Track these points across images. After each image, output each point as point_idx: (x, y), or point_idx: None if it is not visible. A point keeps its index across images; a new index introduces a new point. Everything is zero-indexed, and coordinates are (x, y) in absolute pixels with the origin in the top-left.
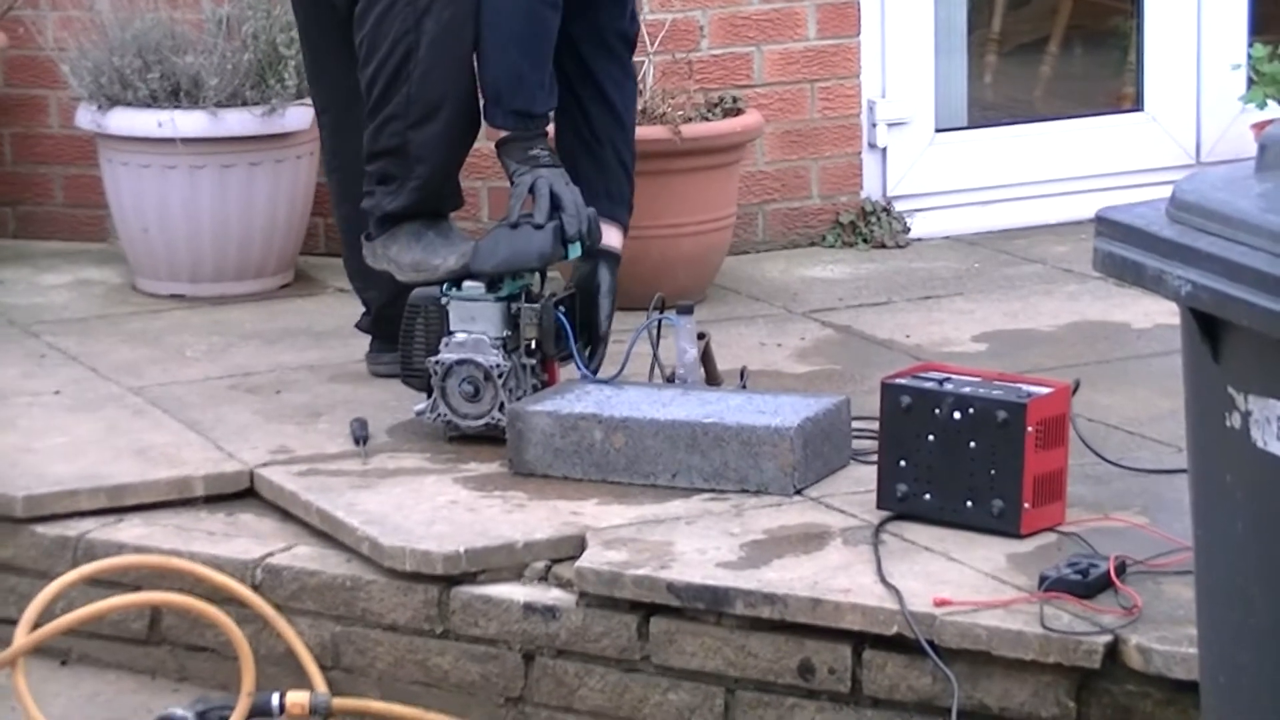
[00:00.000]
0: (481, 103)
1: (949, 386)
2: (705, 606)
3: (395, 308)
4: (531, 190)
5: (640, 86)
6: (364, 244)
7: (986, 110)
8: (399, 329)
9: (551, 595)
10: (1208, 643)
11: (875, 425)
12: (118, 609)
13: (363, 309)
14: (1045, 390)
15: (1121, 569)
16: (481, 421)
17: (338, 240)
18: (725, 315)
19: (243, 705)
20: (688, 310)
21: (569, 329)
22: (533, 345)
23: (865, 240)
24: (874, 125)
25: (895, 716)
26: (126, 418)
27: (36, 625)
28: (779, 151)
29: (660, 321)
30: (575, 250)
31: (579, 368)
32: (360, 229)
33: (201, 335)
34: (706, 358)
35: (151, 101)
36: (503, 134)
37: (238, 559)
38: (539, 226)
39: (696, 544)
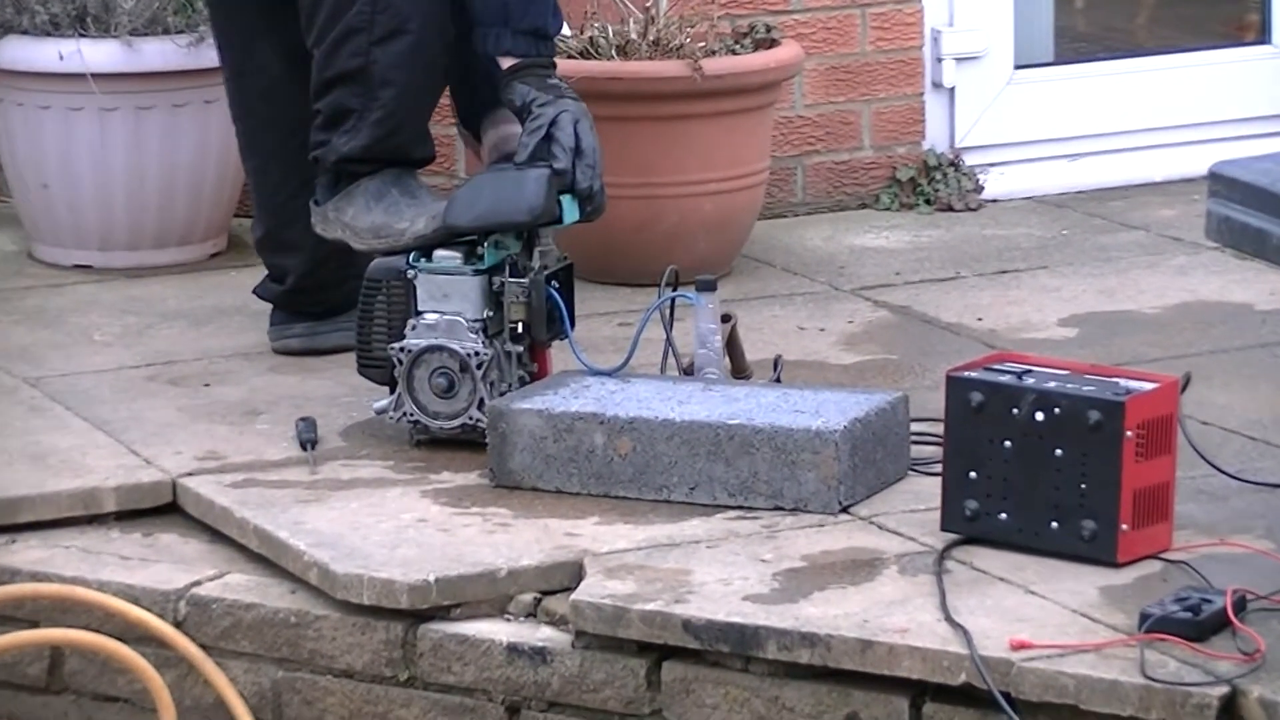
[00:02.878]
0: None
1: (1030, 381)
2: (730, 649)
3: (317, 279)
4: (551, 127)
5: (652, 13)
6: (312, 210)
7: (1077, 43)
8: (317, 303)
9: (541, 635)
10: None
11: (939, 428)
12: (10, 649)
13: (268, 273)
14: (1148, 386)
15: (1241, 605)
16: (456, 422)
17: None
18: (756, 293)
19: None
20: (709, 286)
21: (565, 309)
22: (520, 329)
23: (928, 201)
24: (939, 60)
25: None
26: (21, 415)
27: None
28: (822, 92)
29: (675, 300)
30: (573, 210)
31: (577, 356)
32: (275, 183)
33: (114, 315)
34: (732, 345)
35: (53, 29)
36: (513, 61)
37: (157, 589)
38: (539, 170)
39: (719, 573)
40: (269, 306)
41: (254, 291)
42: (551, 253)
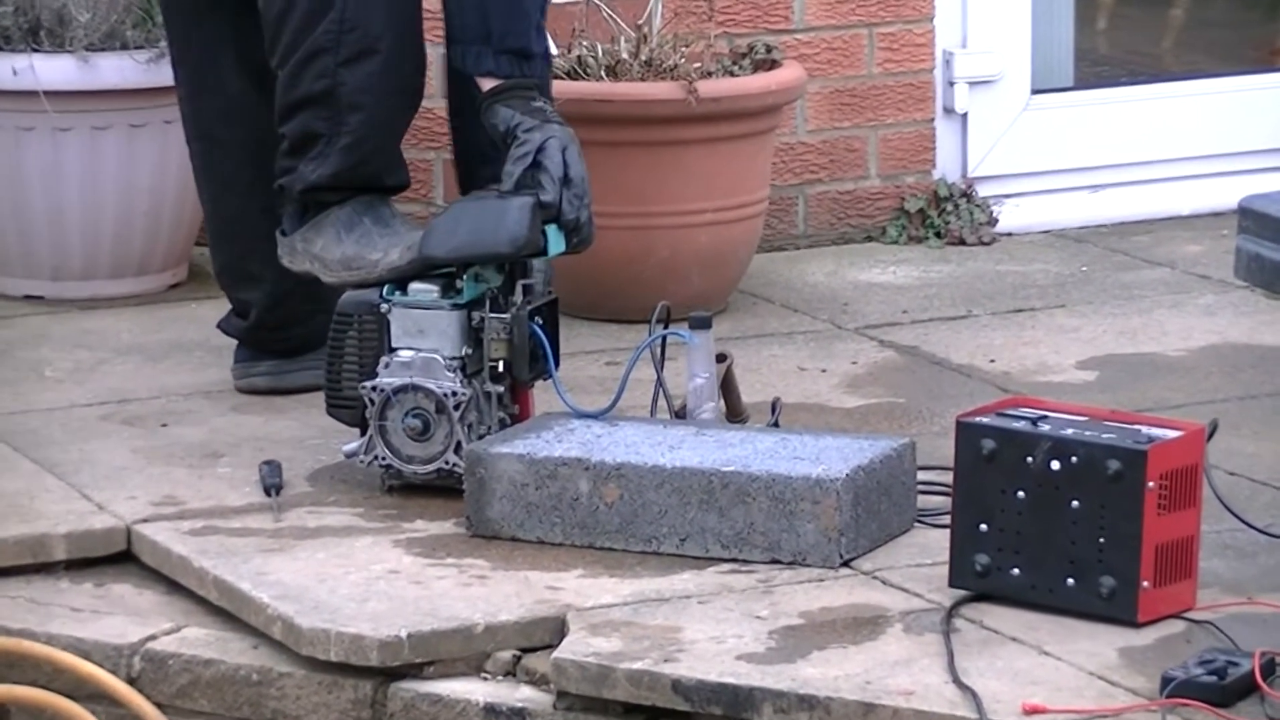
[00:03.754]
0: (464, 49)
1: (1045, 428)
2: (723, 712)
3: (281, 314)
4: (538, 154)
5: (645, 31)
6: (279, 241)
7: (1099, 66)
8: (284, 340)
9: (521, 695)
10: None
11: (948, 477)
12: None
13: (232, 306)
14: (1172, 434)
15: (1270, 668)
16: (432, 467)
17: None
18: (753, 330)
19: None
20: (704, 324)
21: (549, 347)
22: (500, 367)
23: (938, 234)
24: (951, 84)
25: None
26: None
27: None
28: (826, 117)
29: (667, 338)
30: (558, 241)
31: (561, 397)
32: (234, 211)
33: (65, 349)
34: (728, 386)
35: (4, 43)
36: (495, 83)
37: (110, 643)
38: (523, 198)
39: (712, 630)
40: (233, 342)
41: (218, 326)
42: (536, 287)
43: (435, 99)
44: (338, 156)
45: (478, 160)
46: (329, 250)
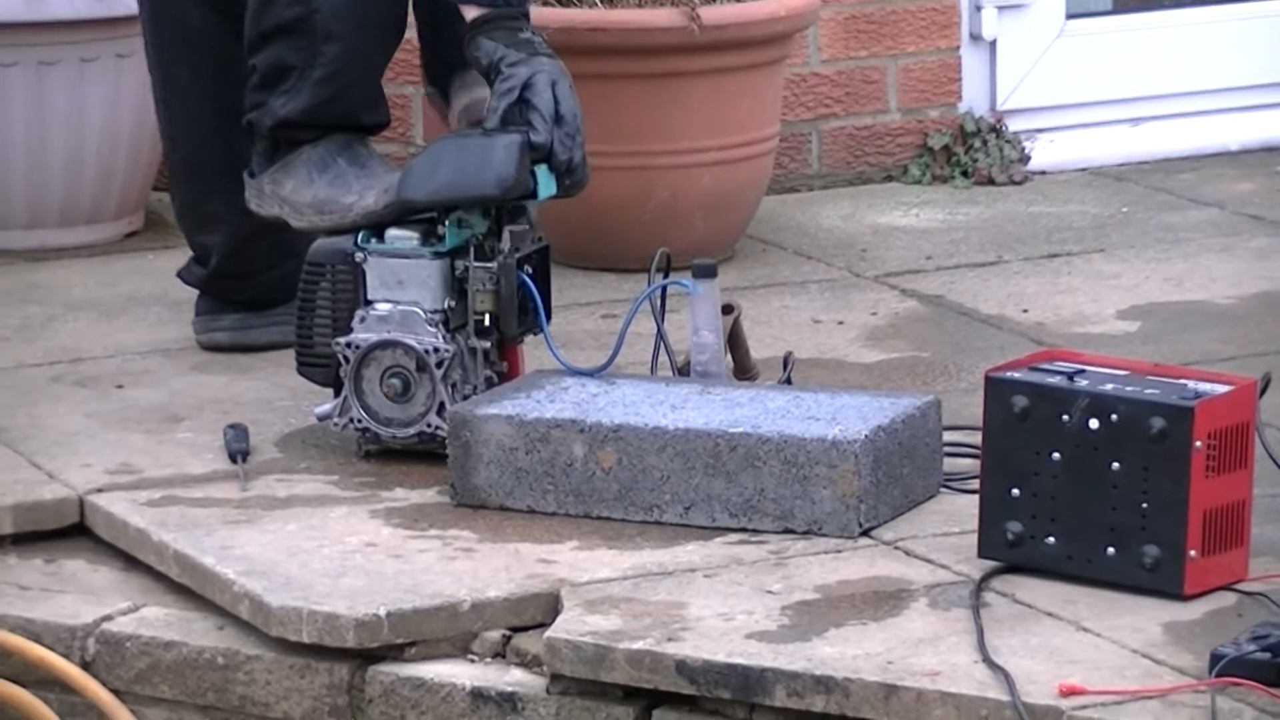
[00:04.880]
0: None
1: (1083, 383)
2: (731, 695)
3: (243, 260)
4: (525, 89)
5: None
6: (246, 183)
7: None
8: (248, 289)
9: (511, 678)
10: None
11: (976, 438)
12: None
13: (193, 253)
14: (1221, 389)
15: None
16: (412, 430)
17: None
18: (763, 280)
19: None
20: (709, 272)
21: (540, 299)
22: (486, 321)
23: (965, 173)
24: (978, 8)
25: None
26: None
27: None
28: (841, 46)
29: (668, 288)
30: (549, 184)
31: (553, 353)
32: (194, 147)
33: (11, 305)
34: (735, 340)
35: None
36: (479, 13)
37: (61, 623)
38: (510, 136)
39: (719, 606)
40: (194, 295)
41: (178, 275)
42: (526, 233)
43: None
44: (311, 90)
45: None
46: (299, 193)
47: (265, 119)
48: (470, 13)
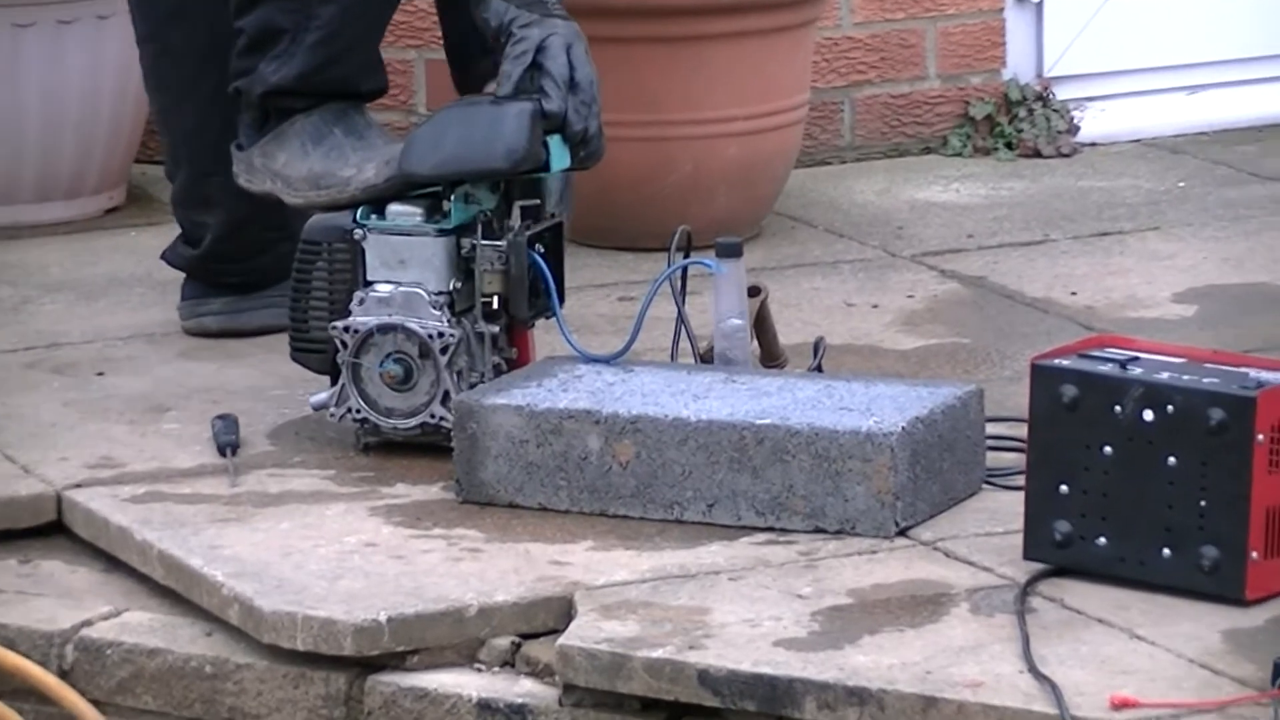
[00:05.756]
0: None
1: (1136, 371)
2: (758, 707)
3: (239, 242)
4: (538, 53)
5: None
6: (235, 156)
7: None
8: (240, 272)
9: (521, 689)
10: None
11: (1022, 430)
12: None
13: (181, 233)
14: None
15: None
16: (415, 421)
17: None
18: (792, 259)
19: None
20: (733, 252)
21: (552, 280)
22: (495, 304)
23: (1009, 145)
24: None
25: None
26: None
27: None
28: (876, 7)
29: (690, 269)
30: (563, 156)
31: (567, 339)
32: (188, 125)
33: None
34: (762, 325)
35: None
36: None
37: (37, 629)
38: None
39: (745, 611)
40: (180, 276)
41: (162, 256)
42: (537, 209)
43: None
44: (304, 55)
45: (476, 50)
46: (293, 166)
47: (255, 86)
48: None
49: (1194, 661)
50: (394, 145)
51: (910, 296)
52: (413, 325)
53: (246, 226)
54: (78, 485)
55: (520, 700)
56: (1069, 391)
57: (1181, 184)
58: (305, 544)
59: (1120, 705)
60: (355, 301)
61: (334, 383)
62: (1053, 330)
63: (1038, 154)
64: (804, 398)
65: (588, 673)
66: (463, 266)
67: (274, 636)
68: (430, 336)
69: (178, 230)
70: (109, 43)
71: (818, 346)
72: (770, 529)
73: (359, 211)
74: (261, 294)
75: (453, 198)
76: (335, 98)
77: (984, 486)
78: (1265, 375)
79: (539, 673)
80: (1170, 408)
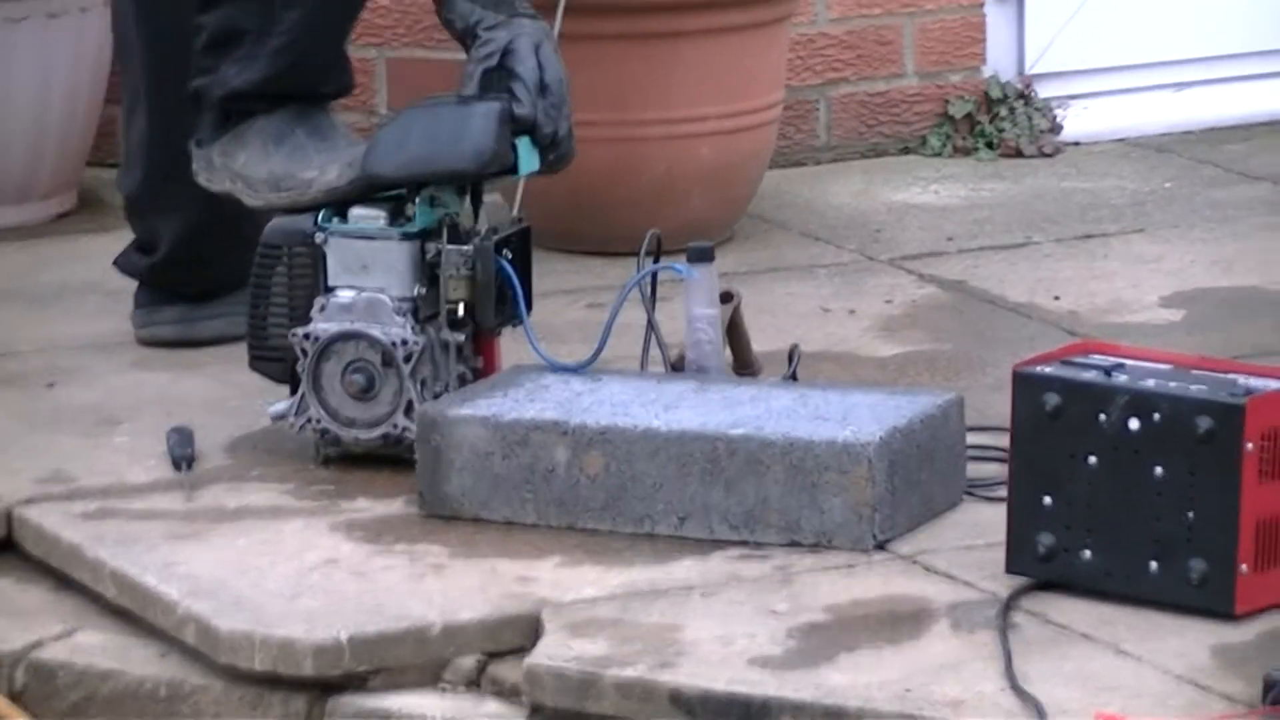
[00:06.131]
0: None
1: (1121, 378)
2: None
3: (193, 250)
4: (505, 56)
5: None
6: (194, 153)
7: None
8: (195, 281)
9: (487, 710)
10: None
11: (1004, 439)
12: None
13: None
14: (1274, 385)
15: None
16: (377, 432)
17: None
18: (766, 264)
19: None
20: (705, 256)
21: (519, 286)
22: (460, 311)
23: (990, 145)
24: None
25: None
26: None
27: None
28: (852, 2)
29: (660, 274)
30: (531, 158)
31: (534, 347)
32: (150, 124)
33: None
34: (735, 332)
35: None
36: None
37: None
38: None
39: (718, 628)
40: (133, 283)
41: (115, 264)
42: (501, 212)
43: None
44: (267, 60)
45: None
46: (253, 166)
47: (215, 88)
48: None
49: (1182, 678)
50: (357, 146)
51: (888, 301)
52: (375, 333)
53: (204, 234)
54: (27, 501)
55: None
56: (1052, 400)
57: (1168, 184)
58: (263, 561)
59: None
60: (316, 308)
61: (293, 392)
62: (1035, 336)
63: (1019, 154)
64: (778, 407)
65: (556, 693)
66: (427, 272)
67: (231, 657)
68: (393, 344)
69: (131, 236)
70: (60, 42)
71: (793, 354)
72: (744, 543)
73: (320, 214)
74: (217, 302)
75: (417, 200)
76: (298, 100)
77: (965, 498)
78: (1255, 382)
79: (505, 693)
80: (1157, 416)
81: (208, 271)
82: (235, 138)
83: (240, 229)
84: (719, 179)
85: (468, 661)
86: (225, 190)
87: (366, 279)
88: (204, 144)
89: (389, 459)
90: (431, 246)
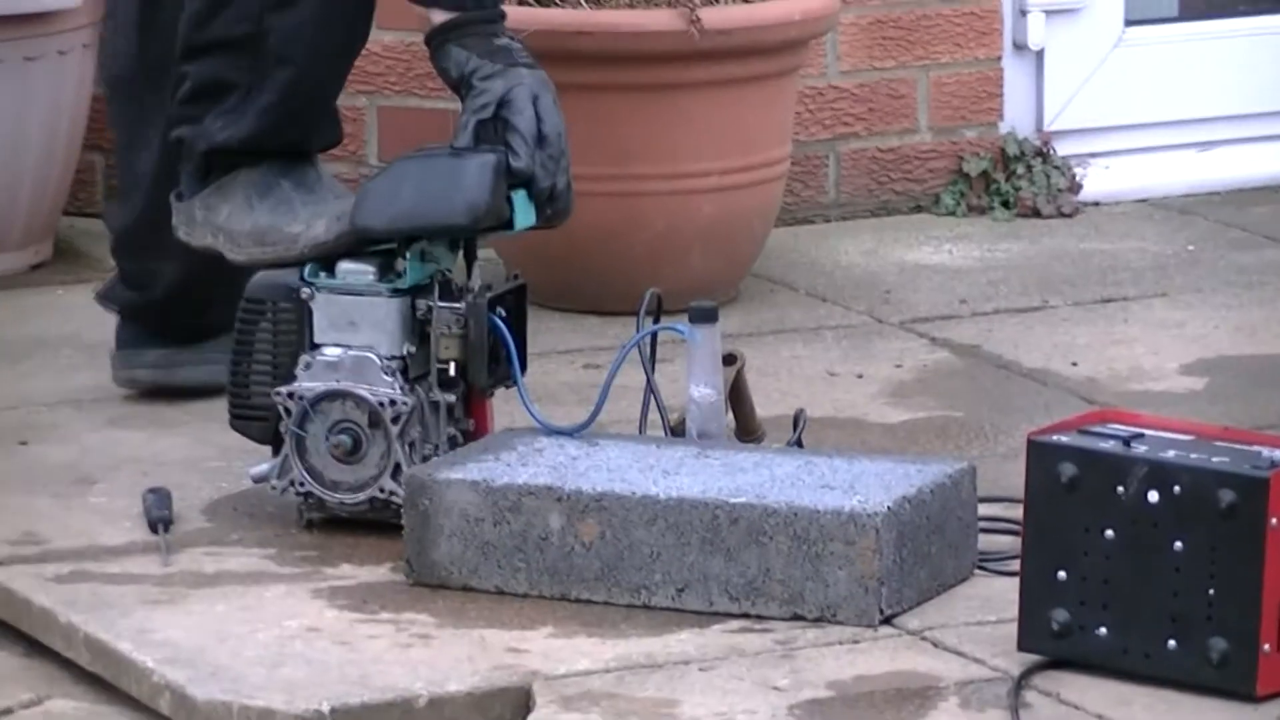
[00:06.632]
0: None
1: (1141, 449)
2: None
3: (193, 291)
4: (502, 106)
5: None
6: (175, 208)
7: None
8: (183, 325)
9: None
10: None
11: (1018, 511)
12: None
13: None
14: None
15: None
16: (363, 496)
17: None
18: (771, 325)
19: None
20: (708, 316)
21: (514, 346)
22: (452, 371)
23: (1006, 204)
24: (1024, 13)
25: None
26: None
27: None
28: (864, 55)
29: (660, 334)
30: (527, 212)
31: (528, 409)
32: (148, 165)
33: None
34: (738, 395)
35: None
36: (446, 17)
37: None
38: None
39: (717, 704)
40: (108, 335)
41: (98, 296)
42: (496, 269)
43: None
44: (256, 117)
45: None
46: (237, 220)
47: (199, 141)
48: (436, 17)
49: None
50: (346, 199)
51: (898, 366)
52: (362, 392)
53: (203, 276)
54: None
55: None
56: (1068, 470)
57: (1191, 247)
58: (242, 628)
59: None
60: (301, 366)
61: (276, 453)
62: (1051, 404)
63: (1037, 213)
64: (782, 474)
65: None
66: (418, 330)
67: None
68: (381, 405)
69: (120, 273)
70: (37, 86)
71: (798, 419)
72: (745, 615)
73: (307, 269)
74: (200, 347)
75: (408, 255)
76: (285, 156)
77: (976, 572)
78: (1279, 454)
79: None
80: (1177, 488)
81: (201, 315)
82: (218, 190)
83: (239, 274)
84: (722, 236)
85: None
86: (206, 245)
87: (354, 336)
88: (184, 197)
89: (375, 524)
90: (422, 303)
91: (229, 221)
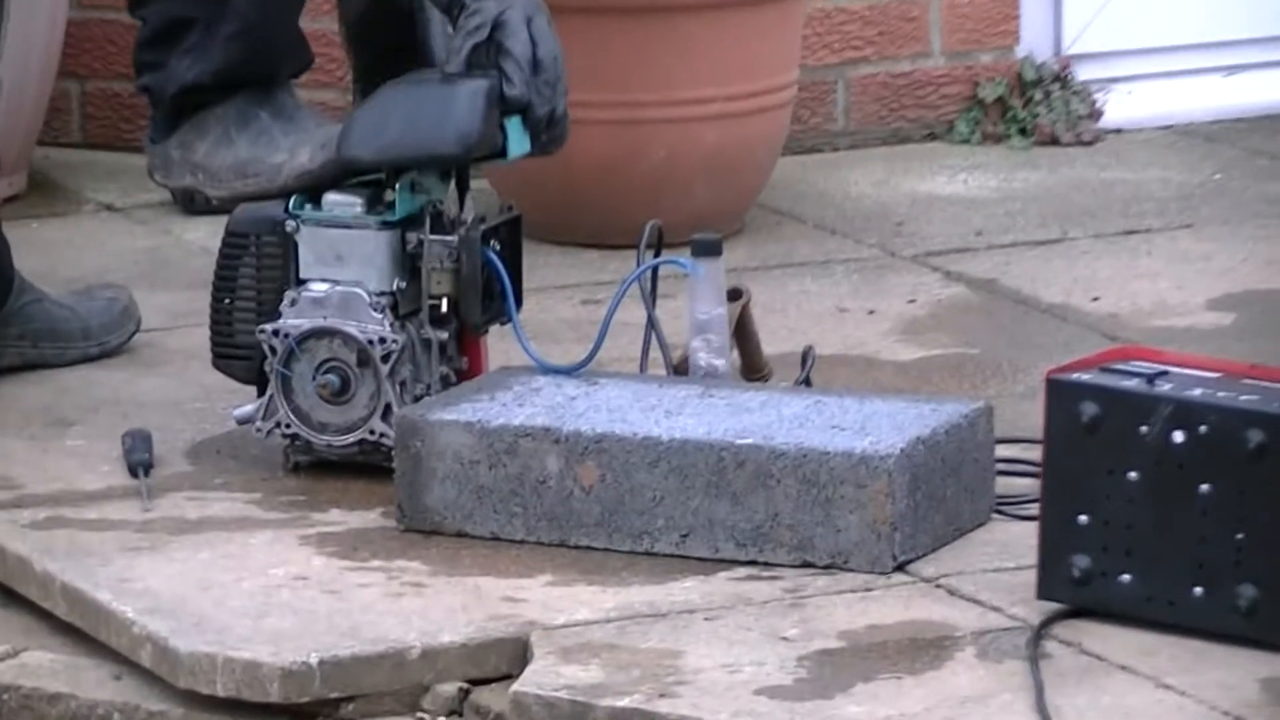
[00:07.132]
0: None
1: (1165, 387)
2: None
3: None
4: (495, 29)
5: None
6: (148, 150)
7: None
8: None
9: None
10: None
11: (1036, 453)
12: None
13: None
14: None
15: None
16: (352, 437)
17: (100, 119)
18: (778, 259)
19: None
20: (711, 249)
21: (509, 281)
22: (444, 307)
23: (1024, 132)
24: None
25: None
26: None
27: None
28: None
29: (660, 269)
30: (522, 140)
31: (524, 347)
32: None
33: None
34: (743, 333)
35: None
36: None
37: None
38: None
39: (723, 655)
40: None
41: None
42: (489, 200)
43: None
44: (221, 49)
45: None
46: (216, 155)
47: (168, 85)
48: None
49: (1228, 714)
50: (329, 127)
51: (911, 301)
52: (350, 330)
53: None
54: None
55: None
56: (1089, 410)
57: (1217, 176)
58: (227, 577)
59: None
60: (286, 302)
61: (261, 394)
62: (1071, 340)
63: (1055, 141)
64: (790, 415)
65: None
66: (408, 264)
67: (191, 681)
68: (370, 343)
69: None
70: (11, 14)
71: (806, 357)
72: (752, 563)
73: (292, 201)
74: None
75: (398, 187)
76: (258, 86)
77: (993, 516)
78: None
79: None
80: (1203, 428)
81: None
82: (193, 127)
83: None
84: (725, 167)
85: (448, 688)
86: (185, 185)
87: (341, 271)
88: (157, 140)
89: (365, 467)
90: (413, 237)
91: (207, 158)
